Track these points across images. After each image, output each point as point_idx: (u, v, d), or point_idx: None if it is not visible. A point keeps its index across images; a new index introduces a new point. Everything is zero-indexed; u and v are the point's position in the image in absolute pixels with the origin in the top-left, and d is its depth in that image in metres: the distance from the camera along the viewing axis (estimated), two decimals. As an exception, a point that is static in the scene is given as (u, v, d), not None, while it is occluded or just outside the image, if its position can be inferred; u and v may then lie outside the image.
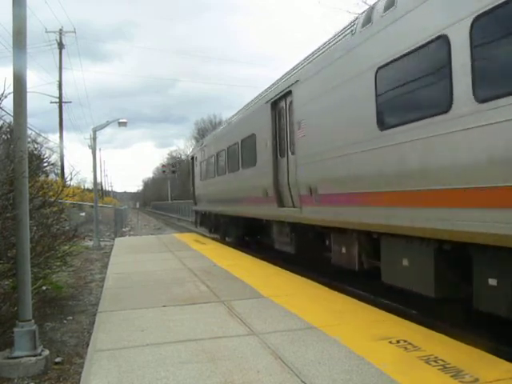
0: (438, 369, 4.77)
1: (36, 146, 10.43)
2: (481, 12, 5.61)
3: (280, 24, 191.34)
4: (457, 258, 6.75)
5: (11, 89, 5.96)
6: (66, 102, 43.88)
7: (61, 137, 43.42)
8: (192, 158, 28.79)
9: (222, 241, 21.74)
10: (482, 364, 4.88)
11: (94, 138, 25.39)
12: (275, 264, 13.08)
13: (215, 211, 22.19)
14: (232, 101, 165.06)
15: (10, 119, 7.23)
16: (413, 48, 6.88)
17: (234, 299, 8.31)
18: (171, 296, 8.83)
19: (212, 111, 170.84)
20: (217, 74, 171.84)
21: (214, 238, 23.38)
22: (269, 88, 14.15)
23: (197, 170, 26.69)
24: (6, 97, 6.43)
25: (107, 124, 26.04)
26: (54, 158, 34.91)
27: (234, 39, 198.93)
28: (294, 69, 11.98)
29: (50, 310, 8.84)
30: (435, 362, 4.97)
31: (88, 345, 6.53)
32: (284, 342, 5.82)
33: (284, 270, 11.68)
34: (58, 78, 43.09)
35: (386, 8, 7.63)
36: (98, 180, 72.10)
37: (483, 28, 5.66)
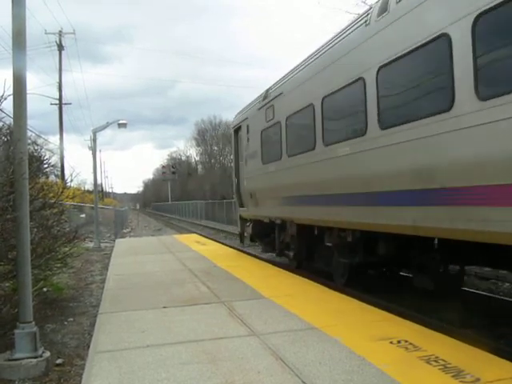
0: (439, 369, 4.77)
1: (36, 147, 10.44)
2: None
3: (279, 25, 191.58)
4: None
5: (11, 91, 5.97)
6: (65, 104, 43.82)
7: (61, 138, 43.38)
8: (236, 131, 17.40)
9: (296, 269, 12.59)
10: (483, 364, 4.87)
11: (94, 140, 25.44)
12: (275, 265, 13.07)
13: (303, 220, 11.80)
14: (231, 102, 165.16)
15: (9, 121, 7.24)
16: None
17: (235, 300, 8.30)
18: (171, 297, 8.83)
19: (212, 112, 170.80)
20: (216, 75, 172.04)
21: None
22: None
23: (251, 147, 15.32)
24: (5, 99, 6.45)
25: (107, 125, 26.06)
26: (54, 159, 34.88)
27: (233, 40, 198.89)
28: None
29: (51, 311, 8.85)
30: (436, 362, 4.96)
31: (89, 346, 6.52)
32: (285, 343, 5.82)
33: (284, 271, 11.66)
34: (57, 80, 43.08)
35: None
36: (99, 181, 72.17)
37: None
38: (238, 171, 17.16)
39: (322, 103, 10.10)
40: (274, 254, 15.09)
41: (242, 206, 16.92)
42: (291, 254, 13.21)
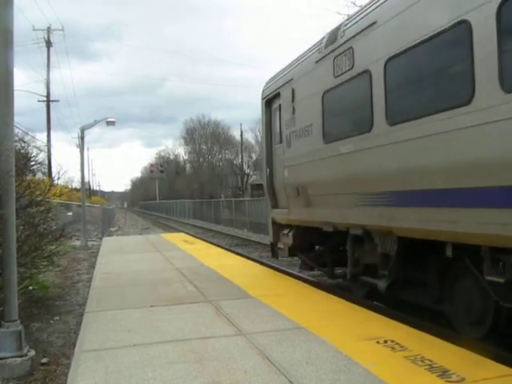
0: (425, 368, 4.79)
1: (23, 144, 10.37)
2: None
3: (273, 25, 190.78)
4: None
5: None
6: (53, 101, 43.57)
7: (48, 135, 43.11)
8: (268, 103, 12.67)
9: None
10: (469, 364, 4.90)
11: (82, 137, 25.30)
12: (263, 264, 13.08)
13: (420, 231, 6.93)
14: (222, 101, 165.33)
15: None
16: None
17: (222, 299, 8.29)
18: (159, 296, 8.80)
19: (201, 111, 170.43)
20: (207, 74, 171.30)
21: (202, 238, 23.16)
22: None
23: (299, 120, 10.58)
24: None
25: (95, 123, 25.97)
26: (41, 156, 34.65)
27: (226, 40, 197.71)
28: None
29: (37, 310, 8.78)
30: (422, 361, 4.98)
31: (75, 345, 6.49)
32: (272, 342, 5.82)
33: (272, 270, 11.67)
34: (45, 77, 42.82)
35: None
36: (86, 179, 71.77)
37: None
38: (271, 158, 12.49)
39: (497, 13, 5.48)
40: (327, 275, 11.20)
41: (276, 206, 12.21)
42: (382, 283, 8.11)
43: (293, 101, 10.76)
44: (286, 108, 11.22)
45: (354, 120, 8.69)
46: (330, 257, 10.48)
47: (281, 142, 11.65)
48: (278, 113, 11.93)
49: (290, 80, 10.96)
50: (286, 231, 11.62)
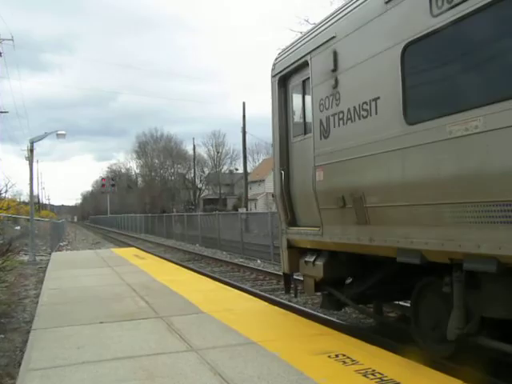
0: (376, 382, 4.84)
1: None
2: None
3: (227, 41, 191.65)
4: None
5: None
6: (2, 112, 42.63)
7: (-5, 148, 42.09)
8: (283, 80, 9.19)
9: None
10: (419, 376, 4.99)
11: (32, 150, 24.85)
12: (215, 279, 13.03)
13: None
14: (174, 115, 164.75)
15: None
16: None
17: (173, 315, 8.20)
18: (109, 312, 8.64)
19: (153, 125, 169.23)
20: (161, 88, 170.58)
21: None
22: None
23: (345, 96, 7.16)
24: None
25: (45, 135, 25.56)
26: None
27: (181, 54, 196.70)
28: None
29: (-20, 327, 8.51)
30: (373, 375, 5.03)
31: (20, 364, 6.30)
32: (223, 358, 5.78)
33: (223, 285, 11.63)
34: (-7, 87, 41.84)
35: None
36: (35, 193, 70.25)
37: None
38: (287, 156, 9.22)
39: None
40: (371, 317, 8.91)
41: (293, 223, 8.96)
42: None
43: (335, 69, 7.45)
44: (320, 81, 7.94)
45: (482, 79, 5.28)
46: (378, 292, 7.83)
47: (305, 132, 8.62)
48: (301, 92, 8.87)
49: (329, 39, 7.61)
50: (310, 258, 8.32)
